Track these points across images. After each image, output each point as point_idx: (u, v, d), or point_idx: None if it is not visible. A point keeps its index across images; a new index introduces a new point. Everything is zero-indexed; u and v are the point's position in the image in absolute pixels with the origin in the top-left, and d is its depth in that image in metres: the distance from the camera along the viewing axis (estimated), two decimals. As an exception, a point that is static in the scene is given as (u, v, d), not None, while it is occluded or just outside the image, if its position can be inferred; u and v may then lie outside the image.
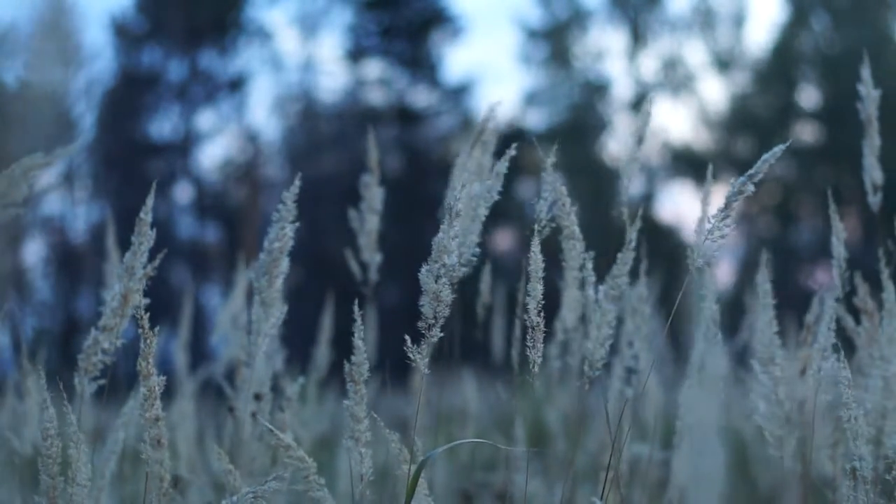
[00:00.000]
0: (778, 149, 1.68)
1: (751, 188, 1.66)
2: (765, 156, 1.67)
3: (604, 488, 1.82)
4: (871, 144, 2.16)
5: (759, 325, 2.00)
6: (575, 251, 1.87)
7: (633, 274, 2.15)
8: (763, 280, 2.02)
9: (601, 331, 1.94)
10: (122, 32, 23.73)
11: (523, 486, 2.71)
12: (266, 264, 1.88)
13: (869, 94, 2.16)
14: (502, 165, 1.84)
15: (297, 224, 1.87)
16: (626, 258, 1.97)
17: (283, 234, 1.86)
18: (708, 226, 1.68)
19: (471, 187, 1.97)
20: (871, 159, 2.16)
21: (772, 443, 1.94)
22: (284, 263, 1.88)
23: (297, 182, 1.86)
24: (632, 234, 1.95)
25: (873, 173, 2.16)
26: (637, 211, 1.97)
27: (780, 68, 23.27)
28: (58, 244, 22.21)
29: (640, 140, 2.17)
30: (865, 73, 2.15)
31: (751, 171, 1.67)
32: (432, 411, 3.03)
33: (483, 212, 1.88)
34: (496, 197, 1.88)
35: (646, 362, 2.29)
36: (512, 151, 1.82)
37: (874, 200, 2.15)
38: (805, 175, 21.47)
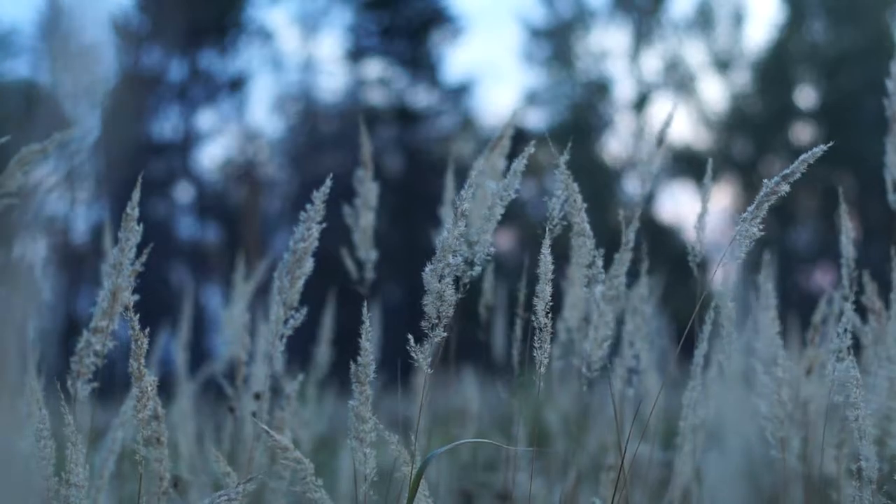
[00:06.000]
0: (819, 148, 1.64)
1: (785, 188, 1.62)
2: (803, 156, 1.63)
3: (614, 493, 1.81)
4: (894, 142, 2.11)
5: (761, 324, 1.98)
6: (585, 248, 1.84)
7: (635, 274, 2.14)
8: (766, 280, 2.00)
9: (599, 331, 1.92)
10: (122, 32, 23.71)
11: (524, 485, 2.70)
12: (289, 264, 1.84)
13: (895, 90, 2.11)
14: (519, 164, 1.77)
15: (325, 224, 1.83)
16: (623, 258, 1.95)
17: (308, 234, 1.82)
18: (737, 227, 1.64)
19: (482, 186, 1.94)
20: (893, 157, 2.10)
21: (774, 444, 1.91)
22: (308, 264, 1.85)
23: (329, 182, 1.81)
24: (629, 235, 1.94)
25: (894, 171, 2.10)
26: (637, 212, 1.96)
27: (778, 69, 23.24)
28: (58, 244, 22.17)
29: (660, 141, 2.16)
30: (894, 68, 2.08)
31: (786, 171, 1.63)
32: (432, 411, 3.02)
33: (499, 211, 1.80)
34: (513, 196, 1.79)
35: (647, 362, 2.27)
36: (529, 149, 1.76)
37: (894, 198, 2.09)
38: (803, 175, 21.41)
